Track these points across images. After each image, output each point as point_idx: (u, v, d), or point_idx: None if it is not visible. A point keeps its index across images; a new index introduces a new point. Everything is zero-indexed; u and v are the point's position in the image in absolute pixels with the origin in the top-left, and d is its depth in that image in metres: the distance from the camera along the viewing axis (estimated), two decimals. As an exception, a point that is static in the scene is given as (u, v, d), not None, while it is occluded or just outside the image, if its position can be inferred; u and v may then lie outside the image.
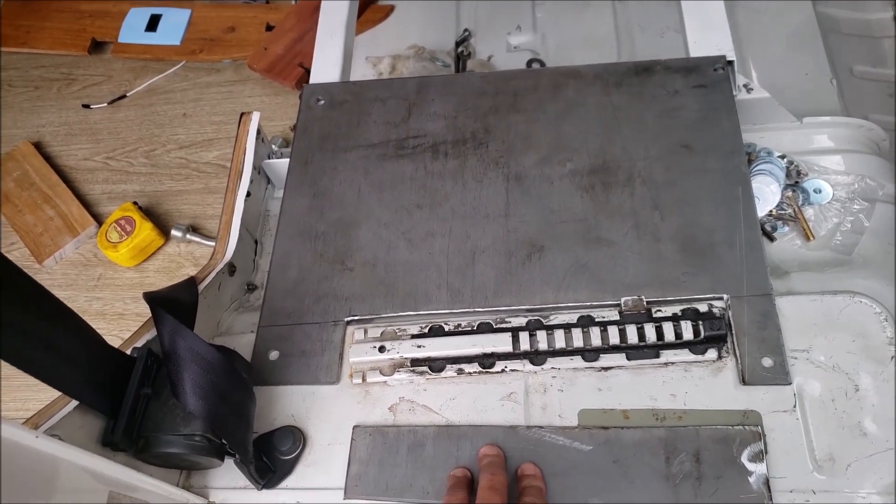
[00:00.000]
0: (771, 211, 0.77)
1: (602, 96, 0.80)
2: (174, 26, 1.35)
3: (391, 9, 1.31)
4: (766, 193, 0.77)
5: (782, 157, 0.79)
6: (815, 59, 1.05)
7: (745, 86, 0.81)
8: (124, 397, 0.55)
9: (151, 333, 0.60)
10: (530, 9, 1.23)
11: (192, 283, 0.66)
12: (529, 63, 1.17)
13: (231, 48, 1.32)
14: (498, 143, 0.79)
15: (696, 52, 0.82)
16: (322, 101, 0.86)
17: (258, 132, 0.86)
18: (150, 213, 1.18)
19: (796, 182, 0.78)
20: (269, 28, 1.33)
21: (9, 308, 0.45)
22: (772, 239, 0.76)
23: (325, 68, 0.91)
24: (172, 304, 0.58)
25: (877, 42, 1.13)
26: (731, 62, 0.80)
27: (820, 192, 0.78)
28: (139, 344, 0.59)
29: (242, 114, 0.86)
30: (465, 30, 1.23)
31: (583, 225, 0.72)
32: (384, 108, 0.84)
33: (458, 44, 1.22)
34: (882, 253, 0.73)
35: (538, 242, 0.71)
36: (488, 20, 1.24)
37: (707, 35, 0.83)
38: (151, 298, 0.57)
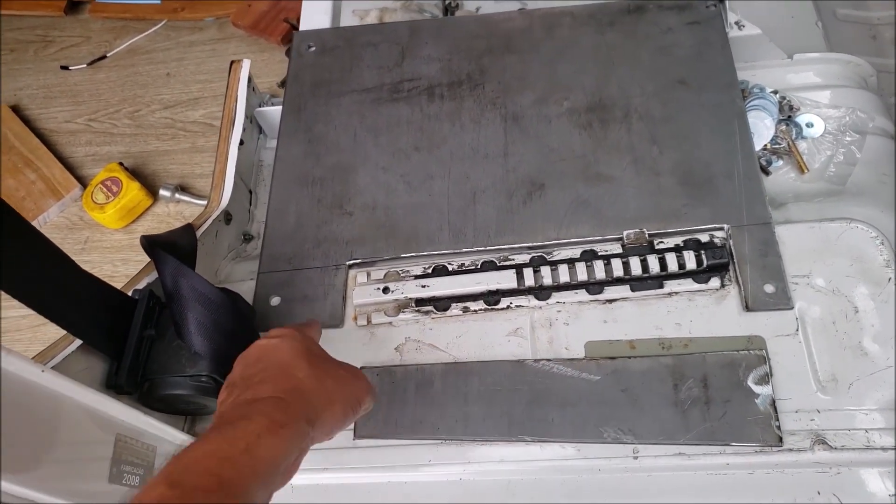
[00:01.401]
0: (766, 145, 0.77)
1: (596, 35, 0.80)
2: (152, -16, 1.31)
3: (375, -38, 1.28)
4: (761, 128, 0.77)
5: (775, 92, 0.80)
6: (800, 2, 1.05)
7: (736, 23, 0.81)
8: (127, 339, 0.55)
9: (152, 277, 0.60)
10: (518, -40, 1.21)
11: (189, 228, 0.65)
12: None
13: (213, 6, 1.29)
14: (494, 84, 0.78)
15: (687, -11, 0.82)
16: (313, 48, 0.85)
17: (249, 80, 0.84)
18: (136, 174, 1.16)
19: (789, 117, 0.79)
20: (251, -16, 1.30)
21: (10, 244, 0.44)
22: (767, 173, 0.76)
23: (314, 15, 0.89)
24: (171, 248, 0.57)
25: (861, -16, 1.14)
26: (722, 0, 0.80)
27: (812, 125, 0.78)
28: (140, 286, 0.58)
29: (233, 61, 0.84)
30: (452, -19, 1.20)
31: (582, 162, 0.72)
32: (377, 53, 0.83)
33: (445, -5, 1.20)
34: (874, 182, 0.74)
35: (538, 180, 0.71)
36: (475, -29, 1.22)
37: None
38: (150, 241, 0.56)
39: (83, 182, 1.18)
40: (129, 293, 0.57)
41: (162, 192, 1.12)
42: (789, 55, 0.83)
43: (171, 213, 1.13)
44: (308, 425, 0.44)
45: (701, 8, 0.79)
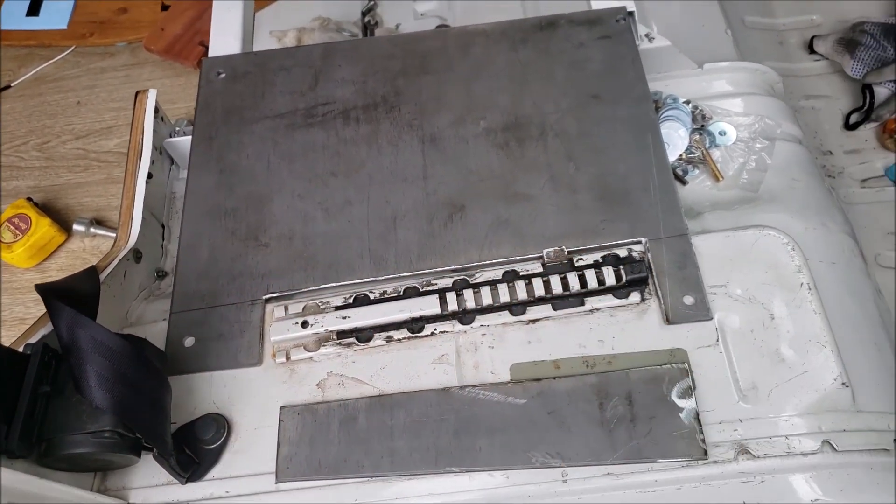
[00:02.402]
0: (681, 155, 0.78)
1: (510, 53, 0.80)
2: (59, 9, 1.25)
3: (292, -19, 1.26)
4: (675, 138, 0.78)
5: (687, 102, 0.81)
6: (709, 11, 1.08)
7: (646, 35, 0.82)
8: (19, 398, 0.51)
9: (47, 328, 0.56)
10: (435, -25, 1.21)
11: (92, 272, 0.61)
12: (439, 27, 1.15)
13: (125, 30, 1.24)
14: (410, 106, 0.77)
15: (597, 4, 0.83)
16: (223, 75, 0.82)
17: (156, 110, 0.81)
18: (47, 209, 1.10)
19: (702, 126, 0.80)
20: (165, 8, 1.26)
21: None
22: (684, 182, 0.78)
23: (224, 40, 0.86)
24: (70, 295, 0.53)
25: (765, -7, 1.18)
26: (631, 13, 0.81)
27: (724, 134, 0.80)
28: (34, 339, 0.54)
29: (137, 92, 0.80)
30: (371, -1, 1.19)
31: (501, 182, 0.71)
32: (289, 78, 0.81)
33: (364, 14, 1.19)
34: (785, 187, 0.75)
35: (458, 202, 0.70)
36: (393, -12, 1.21)
37: (608, -12, 0.84)
38: (45, 289, 0.52)
39: (-12, 221, 1.11)
40: (21, 348, 0.53)
41: (76, 227, 1.06)
42: (699, 65, 0.85)
43: (86, 249, 1.08)
44: None
45: (611, 22, 0.80)
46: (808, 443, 0.57)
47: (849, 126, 1.03)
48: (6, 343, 0.53)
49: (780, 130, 0.79)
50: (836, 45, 1.04)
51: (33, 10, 1.27)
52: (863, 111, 1.01)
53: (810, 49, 1.09)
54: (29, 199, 1.07)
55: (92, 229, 1.07)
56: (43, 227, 1.05)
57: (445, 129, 0.75)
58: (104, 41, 1.24)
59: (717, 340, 0.61)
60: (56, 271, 1.05)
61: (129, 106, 1.20)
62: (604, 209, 0.68)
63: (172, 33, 1.21)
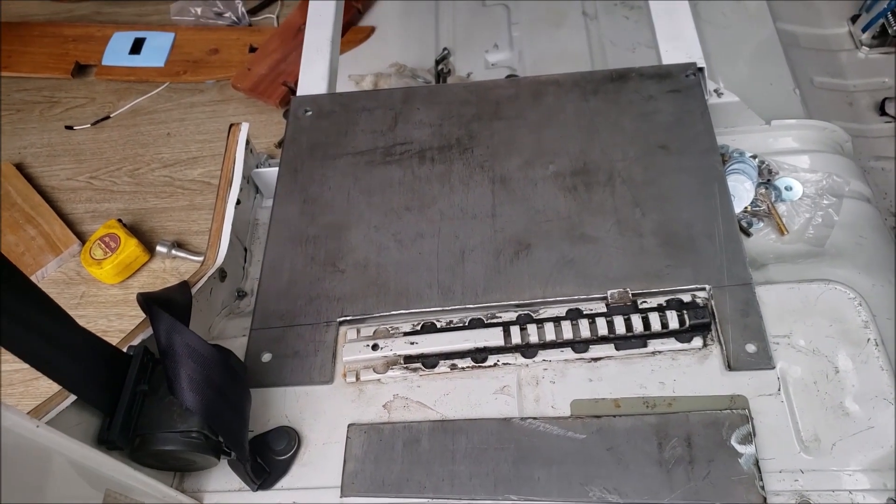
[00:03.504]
0: (746, 208, 0.80)
1: (580, 102, 0.83)
2: (158, 49, 1.37)
3: (372, 30, 1.34)
4: (741, 191, 0.80)
5: (754, 157, 0.83)
6: (778, 70, 1.10)
7: (715, 91, 0.85)
8: (121, 395, 0.55)
9: (147, 333, 0.61)
10: (507, 28, 1.27)
11: (185, 285, 0.66)
12: (508, 77, 1.21)
13: (215, 69, 1.34)
14: (482, 149, 0.82)
15: (668, 59, 0.86)
16: (310, 112, 0.88)
17: (247, 142, 0.87)
18: (134, 231, 1.18)
19: (768, 180, 0.82)
20: (253, 49, 1.36)
21: (9, 298, 0.45)
22: (748, 234, 0.79)
23: (312, 81, 0.93)
24: (167, 304, 0.59)
25: (833, 55, 1.19)
26: (701, 69, 0.84)
27: (791, 189, 0.81)
28: (135, 342, 0.59)
29: (232, 124, 0.87)
30: (444, 48, 1.26)
31: (567, 223, 0.74)
32: (371, 118, 0.86)
33: (437, 62, 1.25)
34: (852, 244, 0.76)
35: (525, 240, 0.73)
36: (466, 39, 1.28)
37: (678, 44, 0.87)
38: (146, 297, 0.58)
39: (82, 238, 1.20)
40: (125, 349, 0.58)
41: (159, 249, 1.14)
42: (767, 121, 0.87)
43: (167, 269, 1.15)
44: None
45: (681, 77, 0.83)
46: (872, 499, 0.56)
47: (920, 190, 1.02)
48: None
49: (849, 188, 0.80)
50: (909, 107, 1.04)
51: (135, 49, 1.39)
52: (934, 174, 1.00)
53: (881, 111, 1.10)
54: (119, 221, 1.16)
55: (173, 251, 1.14)
56: (130, 247, 1.13)
57: (515, 172, 0.79)
58: (195, 78, 1.34)
59: (779, 389, 0.62)
60: (138, 288, 1.12)
61: (213, 139, 1.29)
62: (669, 254, 0.70)
63: (258, 73, 1.30)
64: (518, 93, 0.86)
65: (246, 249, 0.85)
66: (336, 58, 0.97)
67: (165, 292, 0.62)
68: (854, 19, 1.20)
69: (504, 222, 0.75)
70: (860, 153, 1.07)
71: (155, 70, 1.36)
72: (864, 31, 1.16)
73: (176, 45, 1.37)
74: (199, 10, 1.38)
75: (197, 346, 0.55)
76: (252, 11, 1.42)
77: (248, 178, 0.87)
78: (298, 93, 0.92)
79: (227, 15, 1.38)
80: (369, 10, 1.37)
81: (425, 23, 1.31)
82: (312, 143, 0.85)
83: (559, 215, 0.75)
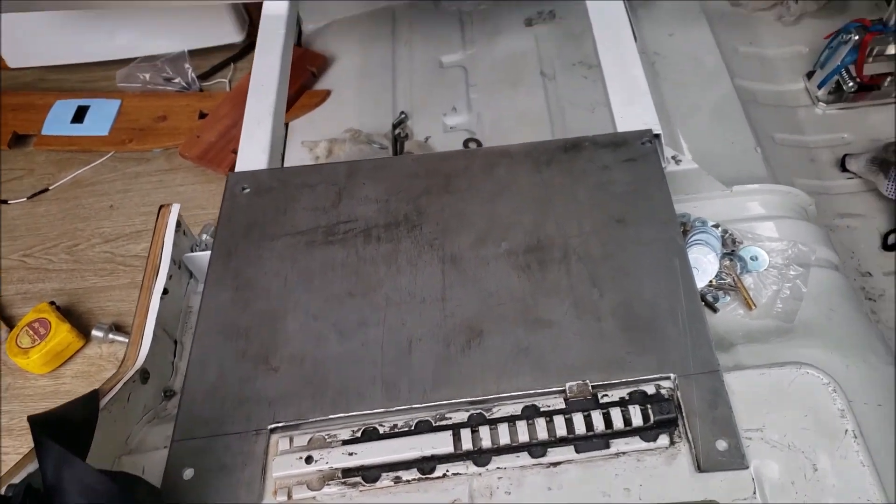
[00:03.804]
0: (711, 281, 0.75)
1: (534, 174, 0.79)
2: (102, 117, 1.31)
3: (327, 93, 1.31)
4: (704, 264, 0.75)
5: (716, 225, 0.79)
6: (738, 128, 1.08)
7: (673, 157, 0.81)
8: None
9: (32, 467, 0.53)
10: (464, 90, 1.24)
11: (92, 398, 0.59)
12: (466, 142, 1.17)
13: (162, 137, 1.29)
14: (432, 225, 0.77)
15: (622, 126, 0.83)
16: (247, 189, 0.83)
17: (178, 224, 0.81)
18: (70, 313, 1.10)
19: (732, 251, 0.78)
20: (203, 116, 1.31)
21: None
22: (714, 310, 0.74)
23: (251, 155, 0.88)
24: (64, 427, 0.51)
25: (792, 111, 1.18)
26: (657, 135, 0.81)
27: (756, 259, 0.77)
28: (17, 479, 0.52)
29: (161, 206, 0.81)
30: (402, 112, 1.23)
31: (521, 305, 0.69)
32: (313, 195, 0.81)
33: (394, 126, 1.21)
34: (822, 318, 0.72)
35: (477, 326, 0.68)
36: (424, 102, 1.25)
37: (632, 109, 0.84)
38: (36, 422, 0.50)
39: (11, 323, 1.11)
40: (2, 490, 0.50)
41: (94, 333, 1.06)
42: (728, 186, 0.83)
43: (103, 356, 1.07)
44: None
45: (636, 145, 0.80)
46: None
47: (887, 247, 0.99)
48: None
49: (815, 257, 0.76)
50: (870, 164, 1.02)
51: (78, 117, 1.33)
52: (902, 232, 0.97)
53: (842, 167, 1.08)
54: (52, 303, 1.08)
55: (110, 335, 1.07)
56: (62, 333, 1.05)
57: (466, 250, 0.74)
58: (142, 147, 1.29)
59: (755, 492, 0.56)
60: (70, 377, 1.04)
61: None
62: (630, 339, 0.65)
63: (207, 140, 1.25)
64: (469, 165, 0.81)
65: (176, 342, 0.79)
66: (280, 128, 0.92)
67: (65, 410, 0.55)
68: (809, 75, 1.19)
69: (455, 306, 0.70)
70: (824, 212, 1.05)
71: (99, 139, 1.30)
72: (819, 87, 1.15)
73: (122, 112, 1.32)
74: (147, 76, 1.34)
75: (91, 481, 0.47)
76: (203, 76, 1.38)
77: (179, 263, 0.81)
78: (237, 168, 0.87)
79: (176, 80, 1.33)
80: (325, 73, 1.34)
81: (382, 85, 1.28)
82: (249, 222, 0.79)
83: (513, 297, 0.70)
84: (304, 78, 1.30)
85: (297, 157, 1.22)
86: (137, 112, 1.31)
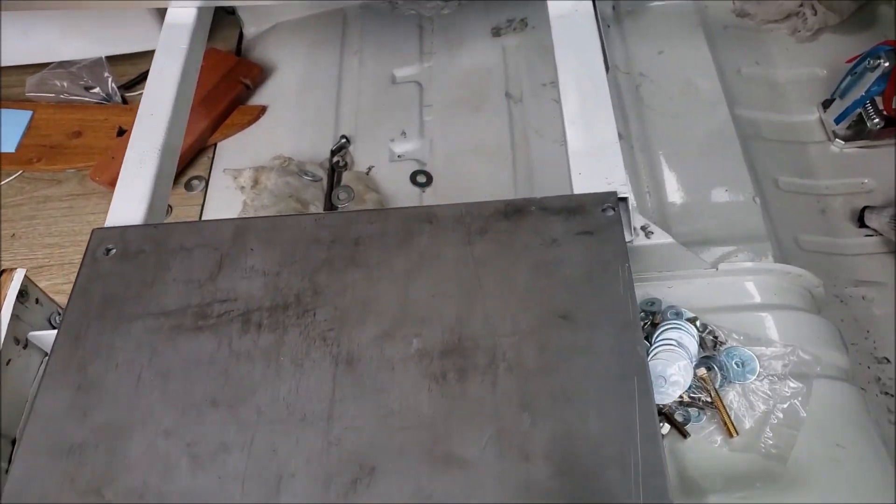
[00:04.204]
0: (682, 396, 0.59)
1: (462, 247, 0.63)
2: (10, 131, 1.15)
3: (263, 110, 1.14)
4: (675, 373, 0.59)
5: (694, 319, 0.62)
6: (734, 170, 0.91)
7: (643, 228, 0.65)
8: None
9: None
10: (418, 111, 1.07)
11: None
12: (414, 175, 1.00)
13: (75, 156, 1.13)
14: (328, 310, 0.60)
15: (580, 186, 0.66)
16: (113, 251, 0.67)
17: (24, 293, 0.65)
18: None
19: (713, 354, 0.61)
20: (121, 133, 1.15)
21: None
22: (684, 434, 0.58)
23: (126, 206, 0.72)
24: None
25: (802, 148, 1.00)
26: (622, 199, 0.64)
27: (743, 365, 0.60)
28: None
29: (2, 271, 0.65)
30: (343, 137, 1.06)
31: (430, 433, 0.53)
32: (189, 262, 0.65)
33: (333, 153, 1.05)
34: (824, 458, 0.55)
35: (368, 462, 0.52)
36: (370, 124, 1.08)
37: (594, 163, 0.67)
38: None
39: None
40: None
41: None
42: (713, 265, 0.66)
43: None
44: None
45: (595, 213, 0.63)
46: None
47: (910, 326, 0.82)
48: None
49: (821, 367, 0.59)
50: (895, 223, 0.85)
51: (-18, 131, 1.17)
52: (928, 311, 0.80)
53: (860, 222, 0.90)
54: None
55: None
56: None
57: (368, 348, 0.58)
58: (52, 167, 1.13)
59: None
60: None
61: (65, 242, 1.07)
62: (565, 493, 0.49)
63: (121, 163, 1.08)
64: (385, 230, 0.65)
65: (14, 443, 0.63)
66: (167, 171, 0.76)
67: None
68: (826, 105, 1.01)
69: (343, 429, 0.54)
70: (835, 278, 0.87)
71: (5, 157, 1.14)
72: (837, 121, 0.97)
73: (33, 125, 1.16)
74: (63, 84, 1.17)
75: None
76: (127, 86, 1.21)
77: (24, 343, 0.65)
78: (106, 222, 0.71)
79: (95, 90, 1.17)
80: (262, 85, 1.17)
81: (325, 102, 1.12)
82: (107, 296, 0.63)
83: (420, 420, 0.53)
84: (237, 91, 1.14)
85: (221, 183, 1.06)
86: (49, 126, 1.15)
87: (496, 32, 1.11)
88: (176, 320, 0.61)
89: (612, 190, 0.64)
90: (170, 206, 1.08)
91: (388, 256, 0.63)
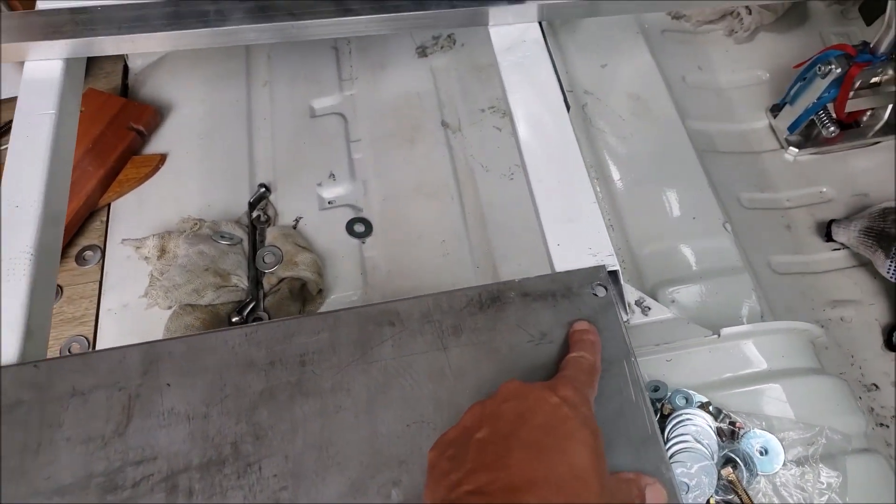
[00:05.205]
0: (708, 502, 0.51)
1: (435, 353, 0.52)
2: None
3: (162, 158, 0.98)
4: (697, 475, 0.50)
5: (706, 405, 0.54)
6: (699, 195, 0.84)
7: (638, 304, 0.56)
8: None
9: None
10: (345, 149, 0.94)
11: None
12: (350, 224, 0.88)
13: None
14: (277, 461, 0.48)
15: (561, 261, 0.56)
16: (-17, 403, 0.51)
17: None
18: None
19: (732, 445, 0.53)
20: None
21: None
22: (718, 551, 0.50)
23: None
24: None
25: (757, 159, 0.95)
26: (613, 272, 0.54)
27: (766, 453, 0.53)
28: None
29: None
30: (261, 185, 0.92)
31: None
32: (86, 410, 0.51)
33: (251, 205, 0.90)
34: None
35: None
36: (292, 168, 0.94)
37: (573, 228, 0.57)
38: None
39: None
40: None
41: None
42: (715, 331, 0.58)
43: None
44: None
45: (585, 295, 0.53)
46: None
47: (893, 347, 0.78)
48: None
49: (854, 445, 0.53)
50: (864, 237, 0.80)
51: None
52: (913, 331, 0.76)
53: (827, 237, 0.85)
54: None
55: None
56: None
57: (335, 505, 0.46)
58: None
59: None
60: None
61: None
62: None
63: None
64: (336, 340, 0.53)
65: None
66: (46, 282, 0.60)
67: None
68: (774, 110, 0.96)
69: None
70: (812, 300, 0.83)
71: None
72: (791, 130, 0.92)
73: None
74: None
75: None
76: (-11, 140, 1.01)
77: None
78: (-29, 360, 0.55)
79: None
80: (156, 130, 1.00)
81: (236, 145, 0.97)
82: (-21, 472, 0.48)
83: None
84: (128, 140, 0.97)
85: (121, 252, 0.90)
86: None
87: (422, 52, 0.99)
88: (75, 498, 0.47)
89: (600, 263, 0.54)
90: (59, 286, 0.91)
91: (344, 378, 0.51)
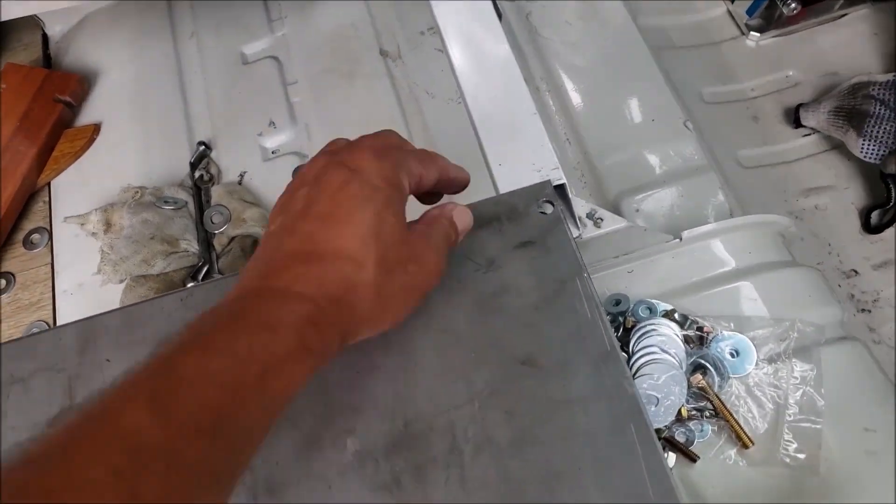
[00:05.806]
0: (680, 411, 0.49)
1: (380, 296, 0.49)
2: None
3: (95, 129, 0.92)
4: (667, 388, 0.49)
5: (671, 312, 0.52)
6: (657, 95, 0.80)
7: (589, 216, 0.52)
8: None
9: None
10: (282, 94, 0.89)
11: None
12: (297, 172, 0.84)
13: None
14: (228, 425, 0.46)
15: (504, 179, 0.52)
16: (-84, 406, 0.49)
17: None
18: None
19: (701, 350, 0.51)
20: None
21: None
22: (693, 459, 0.48)
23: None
24: None
25: (716, 49, 0.90)
26: (559, 186, 0.51)
27: (737, 355, 0.51)
28: None
29: None
30: (201, 143, 0.87)
31: (397, 567, 0.41)
32: (27, 397, 0.48)
33: (193, 165, 0.86)
34: (858, 453, 0.47)
35: None
36: (230, 122, 0.89)
37: (514, 145, 0.53)
38: None
39: None
40: None
41: None
42: (676, 234, 0.55)
43: None
44: (338, 346, 0.37)
45: (531, 213, 0.50)
46: None
47: (871, 229, 0.75)
48: None
49: (828, 337, 0.51)
50: (834, 118, 0.76)
51: None
52: (889, 208, 0.73)
53: (796, 123, 0.82)
54: None
55: None
56: None
57: (290, 465, 0.44)
58: None
59: None
60: None
61: None
62: None
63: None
64: (273, 294, 0.50)
65: None
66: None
67: None
68: (731, -6, 0.90)
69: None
70: (784, 191, 0.79)
71: None
72: (749, 13, 0.87)
73: None
74: None
75: None
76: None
77: None
78: None
79: None
80: (86, 99, 0.95)
81: (170, 105, 0.91)
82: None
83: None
84: (57, 113, 0.91)
85: (68, 232, 0.87)
86: None
87: (352, -21, 0.92)
88: None
89: (545, 179, 0.51)
90: (11, 274, 0.88)
91: (287, 332, 0.48)
